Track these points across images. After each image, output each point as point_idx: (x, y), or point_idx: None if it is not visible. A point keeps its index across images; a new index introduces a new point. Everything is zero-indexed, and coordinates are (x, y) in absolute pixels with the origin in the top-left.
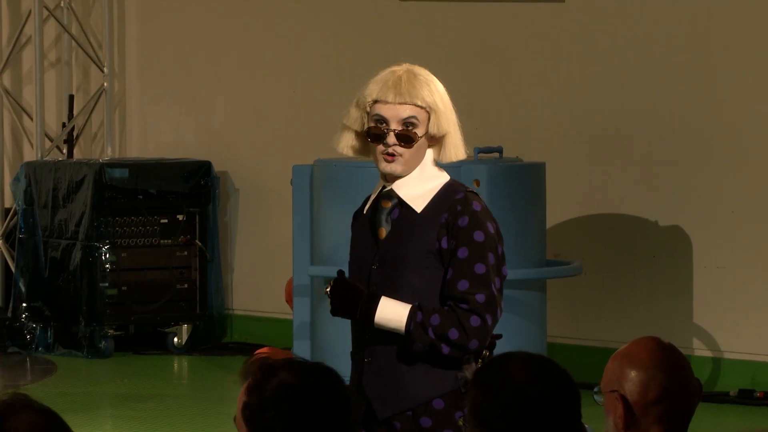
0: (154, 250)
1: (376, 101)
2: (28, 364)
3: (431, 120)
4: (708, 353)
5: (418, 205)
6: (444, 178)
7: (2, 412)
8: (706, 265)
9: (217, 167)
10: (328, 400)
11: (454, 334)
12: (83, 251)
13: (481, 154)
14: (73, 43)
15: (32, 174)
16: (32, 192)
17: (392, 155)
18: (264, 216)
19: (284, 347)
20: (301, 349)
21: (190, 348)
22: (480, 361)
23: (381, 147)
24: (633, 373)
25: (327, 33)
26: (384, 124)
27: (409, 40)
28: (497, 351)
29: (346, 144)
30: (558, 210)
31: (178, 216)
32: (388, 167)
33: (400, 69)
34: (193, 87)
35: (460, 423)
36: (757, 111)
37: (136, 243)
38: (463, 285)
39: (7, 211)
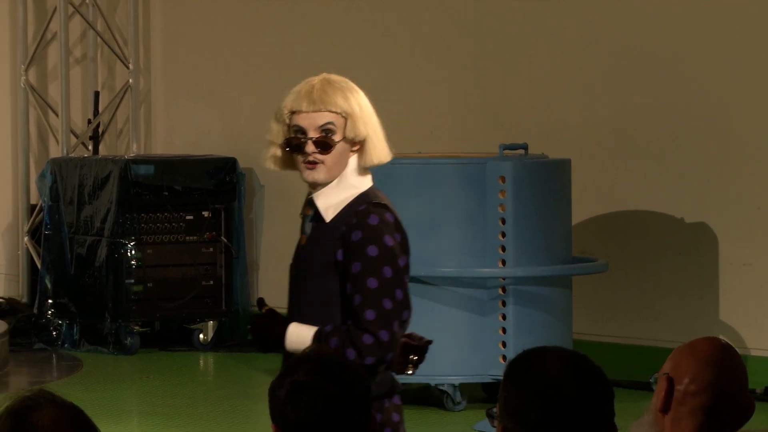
0: (179, 247)
1: (293, 112)
2: (54, 361)
3: (348, 125)
4: None
5: (329, 215)
6: (362, 188)
7: (26, 408)
8: (732, 262)
9: (242, 164)
10: (341, 394)
11: (351, 354)
12: (109, 248)
13: (506, 151)
14: (99, 39)
15: (58, 170)
16: (58, 188)
17: (313, 163)
18: (289, 212)
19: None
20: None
21: (215, 344)
22: (411, 367)
23: (301, 157)
24: (687, 361)
25: (353, 30)
26: (302, 134)
27: (435, 36)
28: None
29: (271, 158)
30: (583, 207)
31: (203, 213)
32: (309, 176)
33: (316, 78)
34: (218, 83)
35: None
36: None
37: (161, 239)
38: (356, 300)
39: (33, 207)
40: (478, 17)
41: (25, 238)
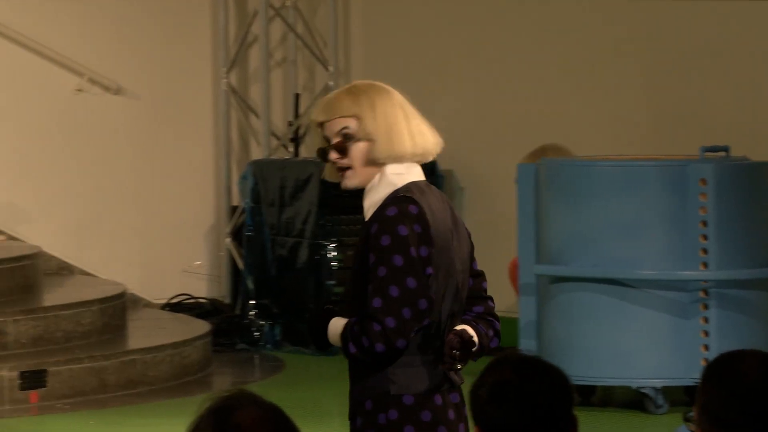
0: None
1: (318, 124)
2: (257, 361)
3: (361, 125)
4: None
5: (368, 215)
6: (399, 184)
7: (228, 407)
8: None
9: (441, 165)
10: (544, 393)
11: (365, 341)
12: (310, 249)
13: (707, 153)
14: (299, 42)
15: (259, 172)
16: (259, 190)
17: (343, 170)
18: (489, 215)
19: (510, 346)
20: (528, 348)
21: None
22: (455, 363)
23: (332, 165)
24: None
25: (551, 30)
26: (328, 143)
27: (634, 37)
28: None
29: (326, 170)
30: None
31: None
32: (343, 184)
33: (342, 87)
34: (417, 85)
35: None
36: None
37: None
38: (369, 289)
39: (235, 209)
40: (676, 18)
41: (227, 240)
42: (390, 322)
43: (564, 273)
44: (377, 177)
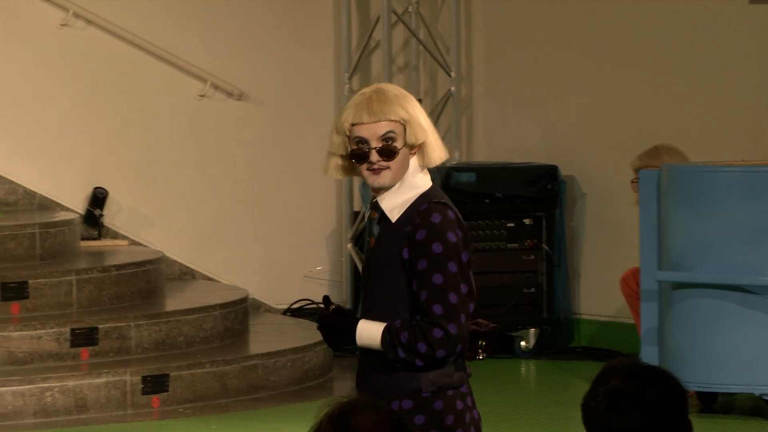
0: (500, 254)
1: (353, 124)
2: None
3: (407, 131)
4: None
5: (394, 216)
6: (423, 188)
7: (346, 413)
8: None
9: (563, 171)
10: (659, 400)
11: (422, 347)
12: None
13: None
14: (421, 47)
15: None
16: None
17: (378, 170)
18: (611, 221)
19: (631, 352)
20: (649, 355)
21: (537, 352)
22: (481, 352)
23: (365, 165)
24: None
25: (673, 35)
26: (365, 144)
27: (756, 42)
28: None
29: (334, 168)
30: None
31: (524, 220)
32: (376, 182)
33: (369, 90)
34: (539, 90)
35: None
36: None
37: (482, 247)
38: (423, 296)
39: (356, 214)
40: None
41: (349, 245)
42: (453, 328)
43: (686, 279)
44: (400, 180)
